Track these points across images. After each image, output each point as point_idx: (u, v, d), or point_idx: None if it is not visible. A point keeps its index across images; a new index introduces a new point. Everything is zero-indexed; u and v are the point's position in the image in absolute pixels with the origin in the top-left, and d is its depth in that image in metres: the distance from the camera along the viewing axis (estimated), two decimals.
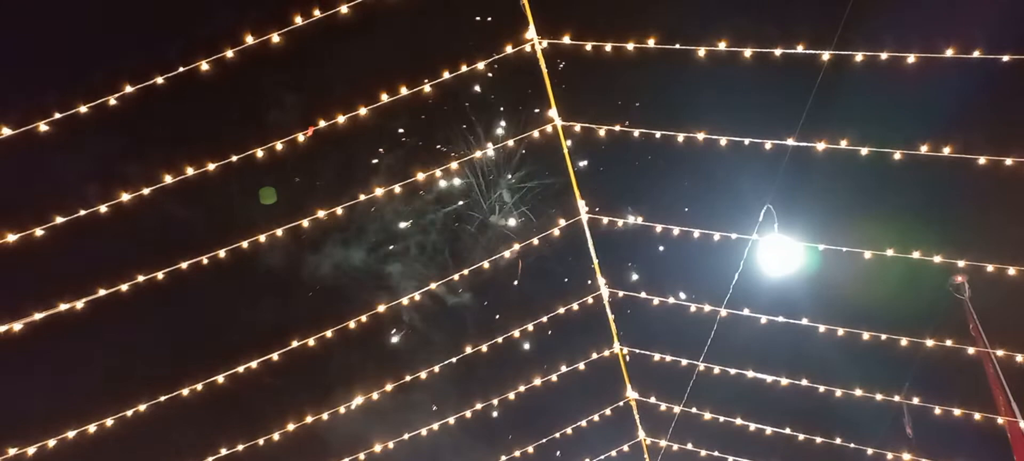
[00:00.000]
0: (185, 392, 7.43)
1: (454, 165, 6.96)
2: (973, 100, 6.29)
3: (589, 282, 8.25)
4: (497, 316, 8.39)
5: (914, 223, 7.16)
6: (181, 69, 5.75)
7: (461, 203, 8.03)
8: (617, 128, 6.71)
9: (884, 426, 8.36)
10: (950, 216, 7.15)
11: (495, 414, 8.73)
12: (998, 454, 7.61)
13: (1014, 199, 6.52)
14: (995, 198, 6.64)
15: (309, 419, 8.13)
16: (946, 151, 6.04)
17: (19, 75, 6.17)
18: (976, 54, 5.55)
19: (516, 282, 8.03)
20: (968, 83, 6.02)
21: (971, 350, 7.30)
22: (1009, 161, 5.91)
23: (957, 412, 7.65)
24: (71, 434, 7.25)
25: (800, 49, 5.88)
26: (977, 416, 7.57)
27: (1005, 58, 5.50)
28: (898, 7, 6.22)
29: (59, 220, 6.22)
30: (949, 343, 7.29)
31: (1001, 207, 6.84)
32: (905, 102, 6.32)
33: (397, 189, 6.95)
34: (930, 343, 7.31)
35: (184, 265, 6.80)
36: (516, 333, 8.30)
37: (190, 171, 6.29)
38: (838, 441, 8.53)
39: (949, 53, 5.61)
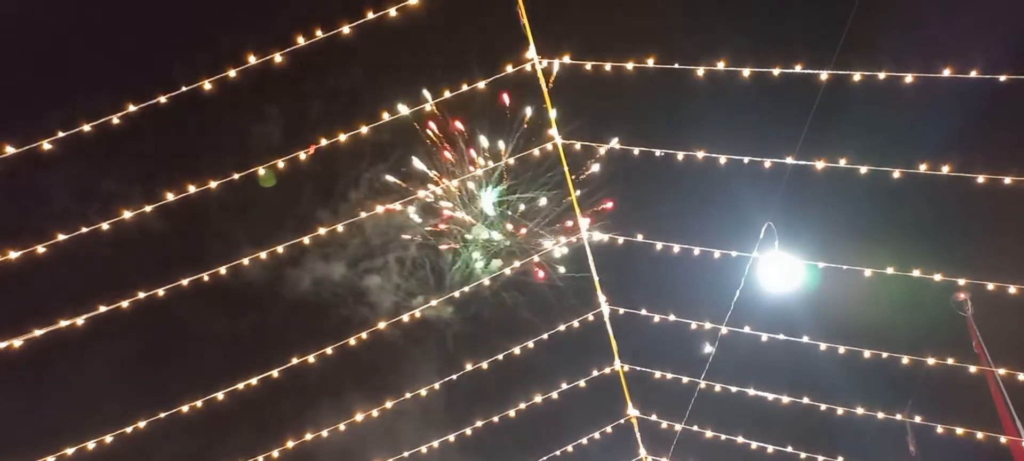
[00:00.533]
0: (185, 408, 7.43)
1: (455, 183, 6.98)
2: (971, 119, 6.30)
3: (590, 299, 8.26)
4: (498, 333, 8.38)
5: (914, 241, 7.16)
6: (184, 88, 5.79)
7: (462, 221, 8.05)
8: (617, 146, 6.72)
9: (886, 445, 8.32)
10: (950, 234, 7.15)
11: (496, 431, 8.71)
12: None
13: (1013, 217, 6.52)
14: (994, 216, 6.64)
15: (308, 436, 8.11)
16: (945, 169, 6.05)
17: (23, 94, 6.21)
18: (974, 74, 5.57)
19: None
20: (966, 102, 6.03)
21: (973, 368, 7.26)
22: (1008, 180, 5.92)
23: (960, 430, 7.61)
24: (70, 451, 7.24)
25: (799, 69, 5.91)
26: (980, 434, 7.52)
27: (1002, 78, 5.52)
28: (897, 28, 6.25)
29: (61, 237, 6.24)
30: (951, 361, 7.26)
31: (1000, 225, 6.84)
32: (904, 121, 6.34)
33: (397, 206, 6.96)
34: (932, 361, 7.27)
35: (185, 282, 6.82)
36: (517, 350, 8.29)
37: (192, 189, 6.32)
38: (840, 460, 8.49)
39: (947, 73, 5.63)
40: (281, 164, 6.38)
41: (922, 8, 6.26)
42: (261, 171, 6.37)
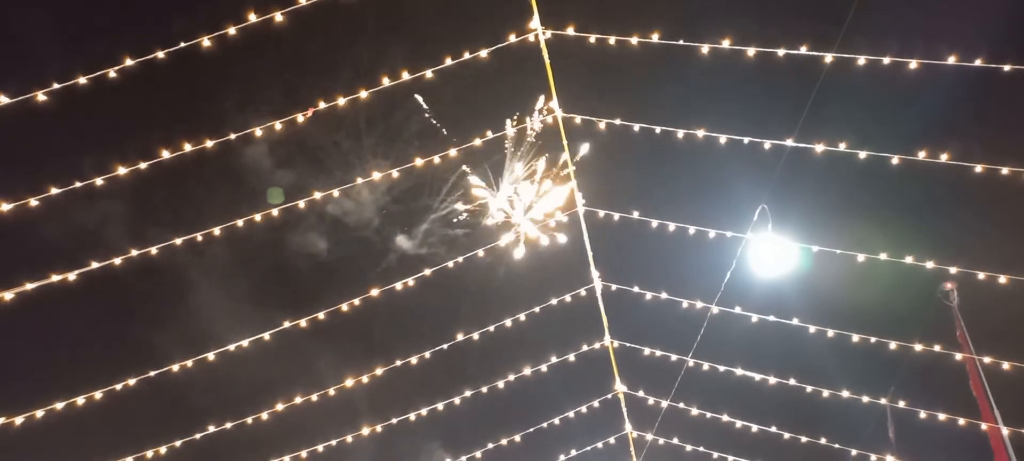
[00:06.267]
0: (175, 368, 7.42)
1: (453, 152, 6.95)
2: (972, 108, 6.33)
3: (583, 274, 8.27)
4: (490, 304, 8.41)
5: (908, 228, 7.20)
6: (182, 44, 5.72)
7: (458, 191, 8.03)
8: (617, 122, 6.71)
9: (869, 428, 8.43)
10: (944, 223, 7.20)
11: (484, 402, 8.76)
12: (980, 460, 7.68)
13: (1008, 208, 6.57)
14: (989, 206, 6.69)
15: (298, 400, 8.13)
16: (943, 158, 6.09)
17: (19, 45, 6.11)
18: (977, 63, 5.59)
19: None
20: (967, 91, 6.05)
21: (958, 356, 7.36)
22: (1005, 170, 5.97)
23: (941, 417, 7.73)
24: (60, 406, 7.24)
25: (803, 50, 5.90)
26: (961, 421, 7.64)
27: (1006, 68, 5.54)
28: (901, 13, 6.24)
29: (54, 191, 6.19)
30: (937, 349, 7.36)
31: (995, 215, 6.89)
32: (904, 108, 6.35)
33: (395, 174, 6.94)
34: (918, 348, 7.37)
35: (178, 241, 6.78)
36: (508, 322, 8.31)
37: (188, 147, 6.26)
38: (823, 441, 8.60)
39: (951, 61, 5.64)
40: (279, 125, 6.34)
41: None
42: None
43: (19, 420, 7.21)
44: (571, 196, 7.62)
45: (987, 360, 7.19)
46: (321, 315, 7.63)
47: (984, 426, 7.50)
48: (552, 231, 7.90)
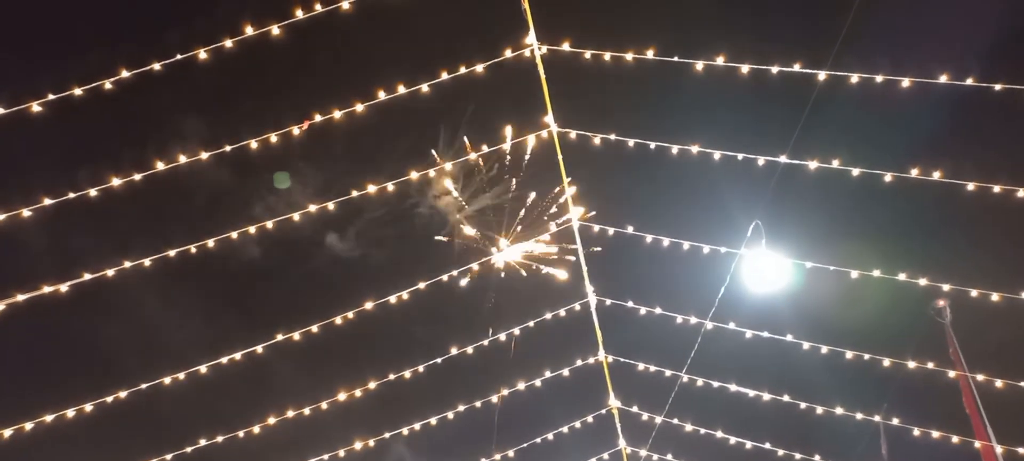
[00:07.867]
0: (166, 380, 7.38)
1: (448, 166, 6.96)
2: (964, 127, 6.38)
3: (577, 289, 8.28)
4: (483, 319, 8.40)
5: (900, 245, 7.24)
6: (179, 57, 5.73)
7: (451, 205, 8.04)
8: (612, 137, 6.74)
9: (863, 445, 8.43)
10: (936, 240, 7.24)
11: (478, 417, 8.74)
12: None
13: (1000, 225, 6.62)
14: (982, 224, 6.73)
15: (290, 413, 8.10)
16: (936, 176, 6.13)
17: (14, 54, 6.11)
18: (969, 82, 5.64)
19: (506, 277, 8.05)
20: (960, 110, 6.10)
21: (951, 373, 7.38)
22: (997, 188, 6.00)
23: (935, 434, 7.74)
24: (49, 418, 7.19)
25: (796, 68, 5.94)
26: (954, 439, 7.66)
27: (997, 87, 5.59)
28: (894, 32, 6.30)
29: (47, 202, 6.17)
30: (930, 366, 7.38)
31: (987, 233, 6.93)
32: (897, 125, 6.40)
33: (390, 187, 6.94)
34: (911, 365, 7.39)
35: (172, 253, 6.76)
36: (502, 336, 8.30)
37: (183, 159, 6.26)
38: (816, 458, 8.60)
39: (943, 79, 5.69)
40: (274, 138, 6.34)
41: (919, 15, 6.31)
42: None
43: (7, 433, 7.15)
44: (566, 211, 7.64)
45: (980, 378, 7.21)
46: (314, 328, 7.60)
47: (977, 444, 7.51)
48: (548, 258, 7.91)
